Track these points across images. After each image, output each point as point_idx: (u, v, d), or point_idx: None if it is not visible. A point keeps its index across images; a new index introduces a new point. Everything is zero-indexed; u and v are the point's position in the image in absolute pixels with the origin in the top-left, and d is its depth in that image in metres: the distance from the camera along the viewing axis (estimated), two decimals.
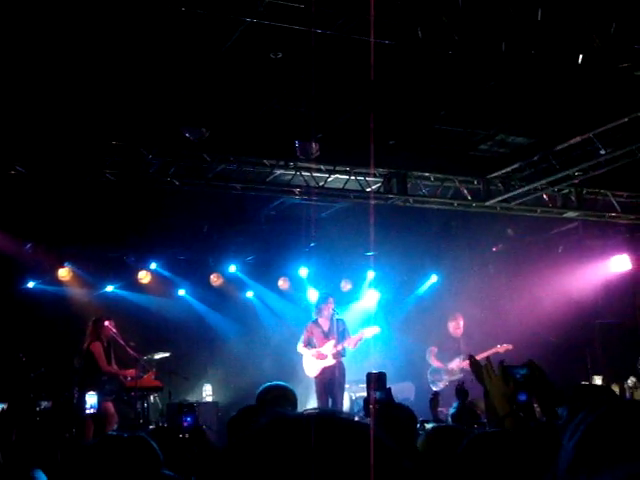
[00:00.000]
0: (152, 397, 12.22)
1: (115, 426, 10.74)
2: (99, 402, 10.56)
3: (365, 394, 13.63)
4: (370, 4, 6.29)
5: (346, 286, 15.27)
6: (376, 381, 3.88)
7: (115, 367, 11.24)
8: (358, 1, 6.76)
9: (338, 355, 11.80)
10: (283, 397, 5.04)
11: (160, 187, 10.95)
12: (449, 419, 7.14)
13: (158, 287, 14.26)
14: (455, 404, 7.36)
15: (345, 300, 14.64)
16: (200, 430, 4.16)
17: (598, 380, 12.03)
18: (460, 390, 7.75)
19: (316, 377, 11.86)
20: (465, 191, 12.28)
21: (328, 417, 1.08)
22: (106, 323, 11.17)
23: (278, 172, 11.28)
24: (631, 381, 11.82)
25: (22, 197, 11.22)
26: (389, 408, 3.70)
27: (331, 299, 12.10)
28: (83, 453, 2.52)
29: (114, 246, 13.56)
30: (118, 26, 7.54)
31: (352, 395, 13.50)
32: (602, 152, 10.59)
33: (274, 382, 5.33)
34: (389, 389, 3.88)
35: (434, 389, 12.53)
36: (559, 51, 7.64)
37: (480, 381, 3.83)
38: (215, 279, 14.67)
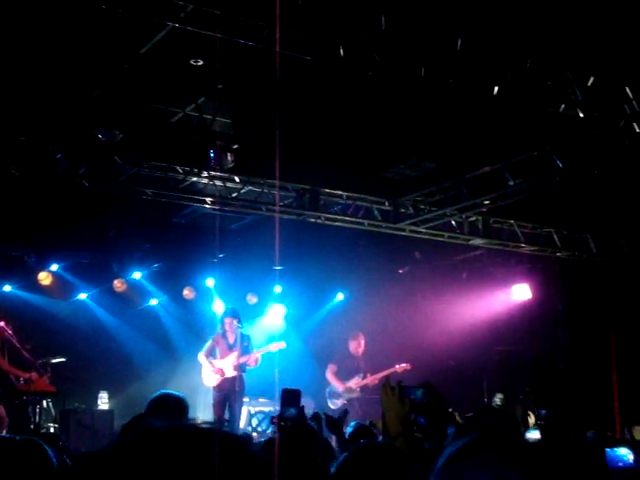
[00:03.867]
0: (45, 402, 11.86)
1: (4, 430, 10.37)
2: None
3: (265, 409, 13.60)
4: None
5: (252, 299, 15.19)
6: (291, 398, 3.84)
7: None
8: (285, 14, 6.76)
9: (239, 368, 11.75)
10: (173, 406, 4.96)
11: (68, 187, 10.69)
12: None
13: (59, 289, 13.86)
14: (353, 423, 7.35)
15: (251, 313, 14.56)
16: None
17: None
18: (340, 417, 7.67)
19: (214, 387, 11.79)
20: (376, 212, 12.40)
21: (185, 430, 1.04)
22: (1, 324, 10.80)
23: (191, 180, 11.15)
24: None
25: None
26: (300, 426, 3.67)
27: (234, 314, 12.09)
28: None
29: (15, 244, 13.12)
30: (35, 19, 7.34)
31: (251, 409, 13.39)
32: (510, 183, 10.86)
33: (166, 391, 5.26)
34: (302, 407, 3.84)
35: (332, 407, 12.55)
36: (475, 82, 7.81)
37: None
38: (118, 285, 14.35)
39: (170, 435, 1.02)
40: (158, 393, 5.18)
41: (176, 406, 4.95)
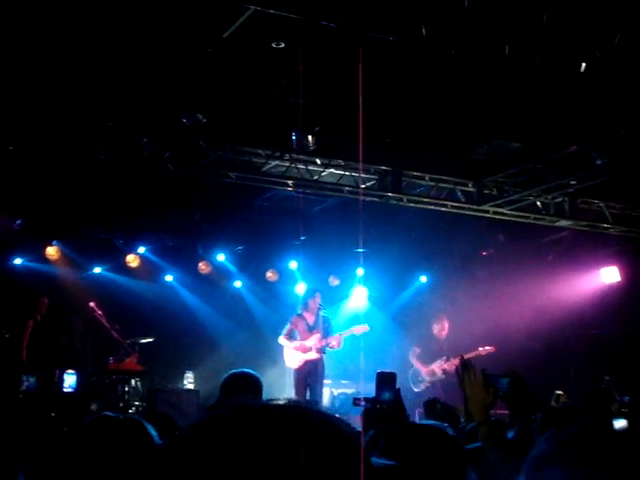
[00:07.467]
0: (133, 381, 12.18)
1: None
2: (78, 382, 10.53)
3: (348, 390, 13.62)
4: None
5: (334, 282, 15.23)
6: (386, 381, 3.84)
7: None
8: None
9: (321, 350, 11.81)
10: (246, 385, 4.97)
11: (154, 171, 10.90)
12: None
13: (145, 271, 14.19)
14: (438, 406, 7.35)
15: (333, 296, 14.60)
16: None
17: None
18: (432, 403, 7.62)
19: (296, 369, 11.85)
20: (459, 193, 12.25)
21: (297, 408, 1.04)
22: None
23: (273, 163, 11.23)
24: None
25: (15, 174, 11.13)
26: (396, 409, 3.68)
27: (318, 294, 12.10)
28: (81, 431, 2.49)
29: (104, 228, 13.47)
30: (120, 8, 7.47)
31: (333, 391, 13.47)
32: (598, 162, 10.57)
33: (239, 369, 5.26)
34: (398, 390, 3.85)
35: (415, 390, 12.53)
36: (562, 59, 7.61)
37: (461, 386, 3.79)
38: (203, 267, 14.59)
39: (263, 411, 1.03)
40: (231, 372, 5.19)
41: (250, 385, 4.97)
